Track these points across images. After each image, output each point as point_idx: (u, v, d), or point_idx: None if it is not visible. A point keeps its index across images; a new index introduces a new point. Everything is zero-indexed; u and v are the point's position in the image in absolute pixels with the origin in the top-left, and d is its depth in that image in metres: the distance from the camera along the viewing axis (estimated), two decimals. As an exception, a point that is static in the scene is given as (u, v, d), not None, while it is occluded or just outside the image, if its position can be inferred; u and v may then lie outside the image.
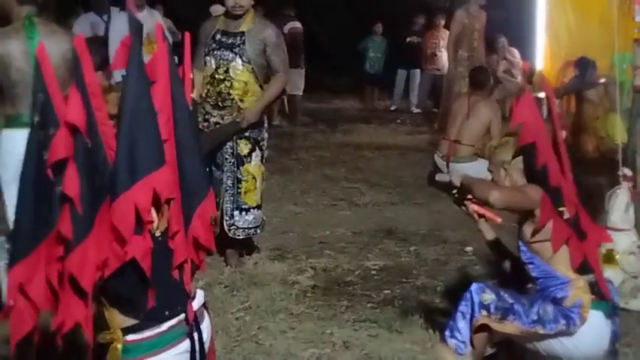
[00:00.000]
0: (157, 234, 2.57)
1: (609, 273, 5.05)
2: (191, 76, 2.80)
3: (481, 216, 4.04)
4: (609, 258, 5.20)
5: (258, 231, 6.01)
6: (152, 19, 8.66)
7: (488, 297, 3.73)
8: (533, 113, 3.80)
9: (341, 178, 9.24)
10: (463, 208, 4.04)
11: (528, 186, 3.85)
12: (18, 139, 4.10)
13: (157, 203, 2.54)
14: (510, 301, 3.72)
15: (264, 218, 6.11)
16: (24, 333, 2.46)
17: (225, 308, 5.11)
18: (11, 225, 4.80)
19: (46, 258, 2.42)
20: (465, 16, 11.15)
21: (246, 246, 6.13)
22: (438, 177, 8.15)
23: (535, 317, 3.68)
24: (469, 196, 3.96)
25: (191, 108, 2.84)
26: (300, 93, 13.30)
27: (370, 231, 7.02)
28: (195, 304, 2.77)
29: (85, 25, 8.90)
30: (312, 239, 6.75)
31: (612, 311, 3.80)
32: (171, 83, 2.61)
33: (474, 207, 3.99)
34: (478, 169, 7.77)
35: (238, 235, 5.86)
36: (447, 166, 8.39)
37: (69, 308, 2.41)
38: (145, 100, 2.51)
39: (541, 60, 10.51)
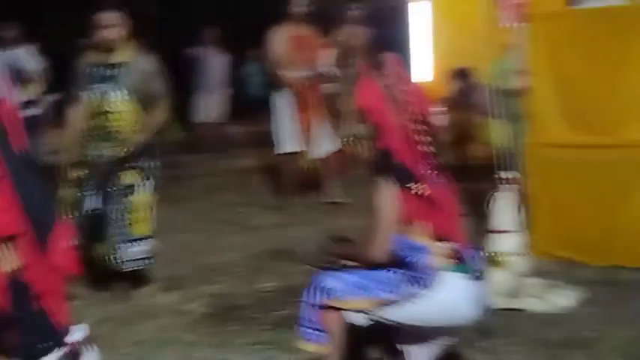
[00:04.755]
0: (9, 270, 2.51)
1: (495, 274, 5.15)
2: None
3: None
4: (493, 260, 5.26)
5: (150, 261, 5.90)
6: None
7: (329, 282, 3.71)
8: (376, 95, 3.78)
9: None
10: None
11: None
12: None
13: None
14: (351, 279, 3.70)
15: (154, 249, 5.98)
16: None
17: (116, 343, 4.96)
18: None
19: None
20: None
21: (136, 279, 6.00)
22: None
23: (381, 286, 3.64)
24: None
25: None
26: None
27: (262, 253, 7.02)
28: (75, 337, 2.70)
29: None
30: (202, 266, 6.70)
31: (474, 275, 3.67)
32: None
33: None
34: None
35: (129, 268, 5.75)
36: None
37: None
38: None
39: (431, 73, 10.57)
